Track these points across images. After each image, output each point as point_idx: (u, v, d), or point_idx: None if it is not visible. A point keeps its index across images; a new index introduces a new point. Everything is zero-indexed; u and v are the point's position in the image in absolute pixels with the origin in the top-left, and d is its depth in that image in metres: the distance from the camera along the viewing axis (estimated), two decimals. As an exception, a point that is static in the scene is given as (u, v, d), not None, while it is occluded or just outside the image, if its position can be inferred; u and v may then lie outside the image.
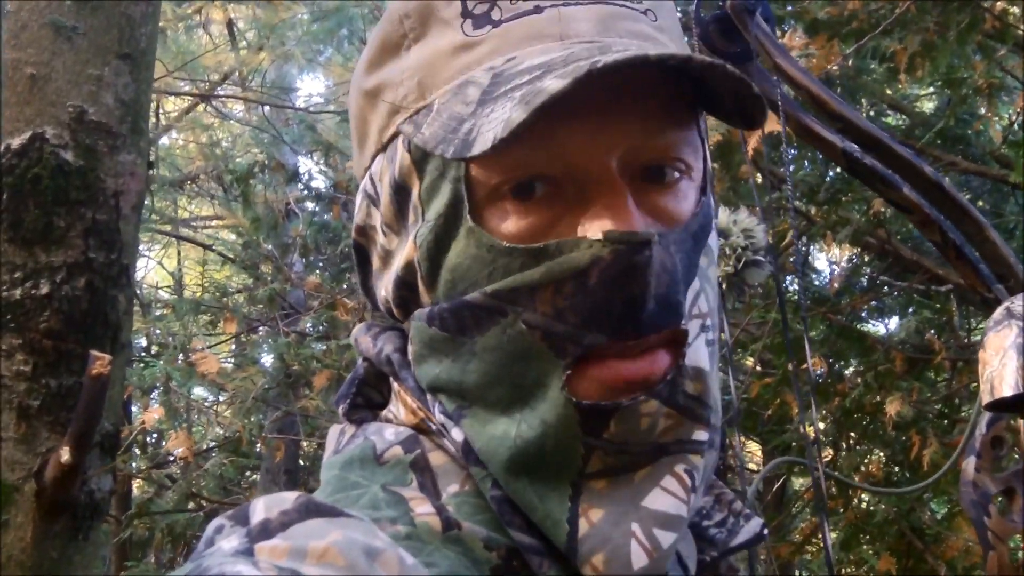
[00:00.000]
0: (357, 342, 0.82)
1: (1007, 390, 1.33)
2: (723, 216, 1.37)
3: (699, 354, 0.69)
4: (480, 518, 0.69)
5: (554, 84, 0.60)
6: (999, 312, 1.36)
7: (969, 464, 1.46)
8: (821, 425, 5.31)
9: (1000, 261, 1.39)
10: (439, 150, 0.65)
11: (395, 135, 0.73)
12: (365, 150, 0.78)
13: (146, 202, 2.88)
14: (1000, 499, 1.46)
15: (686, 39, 0.81)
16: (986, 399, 1.37)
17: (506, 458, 0.67)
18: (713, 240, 0.73)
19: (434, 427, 0.72)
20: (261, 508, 0.64)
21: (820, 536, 5.82)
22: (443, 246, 0.69)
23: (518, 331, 0.66)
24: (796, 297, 4.95)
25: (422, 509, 0.68)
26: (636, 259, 0.64)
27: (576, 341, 0.65)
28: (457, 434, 0.70)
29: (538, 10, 0.70)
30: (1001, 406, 1.37)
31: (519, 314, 0.66)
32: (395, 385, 0.77)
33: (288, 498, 0.65)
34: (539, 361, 0.66)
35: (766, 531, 0.77)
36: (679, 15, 0.81)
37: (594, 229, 0.65)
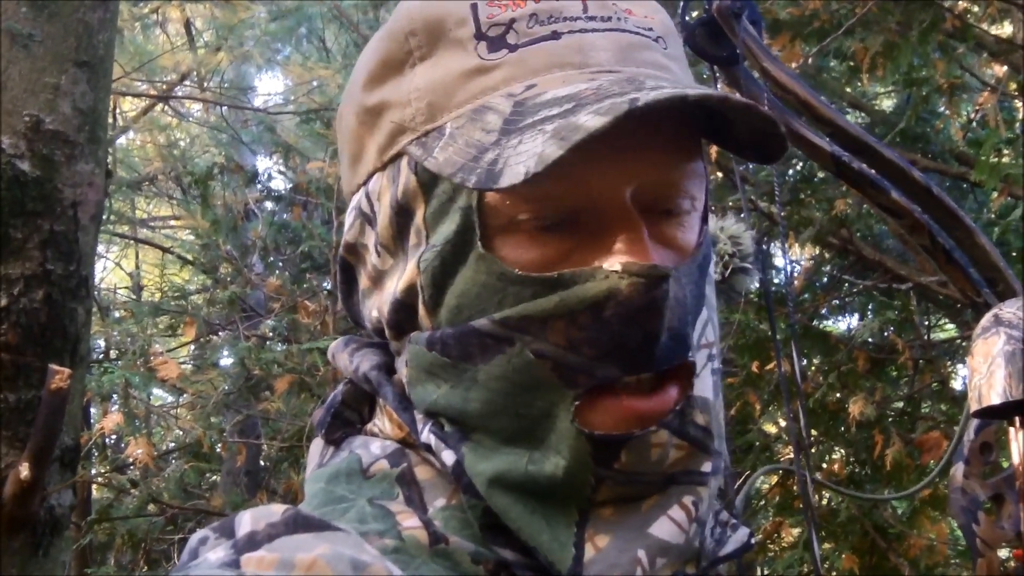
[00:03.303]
0: (334, 358, 0.82)
1: (995, 398, 1.32)
2: (710, 223, 1.35)
3: (706, 384, 0.69)
4: (467, 532, 0.68)
5: (592, 121, 0.59)
6: (987, 319, 1.35)
7: (958, 470, 1.45)
8: (783, 423, 5.34)
9: (990, 266, 1.38)
10: (458, 178, 0.64)
11: (399, 155, 0.71)
12: (359, 167, 0.76)
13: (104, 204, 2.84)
14: (989, 505, 1.46)
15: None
16: (974, 406, 1.36)
17: (515, 484, 0.66)
18: (712, 267, 0.74)
19: (420, 443, 0.72)
20: (248, 520, 0.64)
21: (781, 535, 5.86)
22: (450, 271, 0.68)
23: (526, 361, 0.65)
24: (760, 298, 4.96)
25: (409, 523, 0.68)
26: (654, 293, 0.64)
27: (589, 373, 0.65)
28: (448, 456, 0.69)
29: (556, 36, 0.69)
30: (989, 413, 1.36)
31: (528, 343, 0.65)
32: (379, 399, 0.77)
33: (276, 511, 0.65)
34: (547, 392, 0.66)
35: (753, 540, 0.77)
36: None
37: (612, 261, 0.64)
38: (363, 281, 0.78)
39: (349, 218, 0.78)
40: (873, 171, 1.35)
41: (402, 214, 0.71)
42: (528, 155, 0.60)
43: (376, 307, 0.76)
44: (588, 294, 0.64)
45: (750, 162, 0.76)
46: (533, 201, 0.65)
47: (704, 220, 0.73)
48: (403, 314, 0.72)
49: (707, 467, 0.69)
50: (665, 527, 0.66)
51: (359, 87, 0.75)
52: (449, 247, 0.68)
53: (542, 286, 0.65)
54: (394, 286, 0.72)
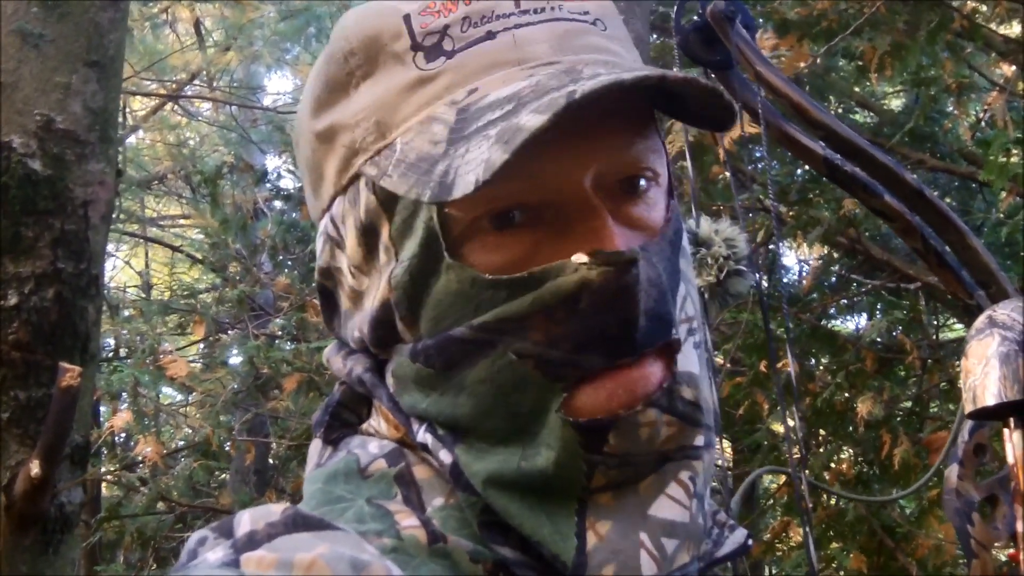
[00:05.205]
0: (329, 362, 0.82)
1: (990, 399, 1.33)
2: (705, 225, 1.36)
3: (689, 359, 0.69)
4: (466, 532, 0.68)
5: (532, 120, 0.59)
6: (981, 320, 1.36)
7: (952, 472, 1.46)
8: (791, 423, 5.32)
9: (982, 268, 1.39)
10: (413, 194, 0.64)
11: (356, 177, 0.72)
12: (321, 192, 0.76)
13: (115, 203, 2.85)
14: (984, 506, 1.47)
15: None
16: (968, 408, 1.37)
17: (511, 482, 0.66)
18: (686, 241, 0.74)
19: (417, 442, 0.72)
20: (247, 520, 0.64)
21: (789, 535, 5.85)
22: (421, 285, 0.68)
23: (508, 362, 0.66)
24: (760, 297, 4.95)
25: (408, 522, 0.67)
26: (625, 279, 0.64)
27: (574, 365, 0.65)
28: (445, 456, 0.69)
29: (491, 36, 0.69)
30: (984, 415, 1.37)
31: (509, 345, 0.66)
32: (375, 400, 0.77)
33: (275, 510, 0.65)
34: (534, 389, 0.66)
35: (751, 542, 0.76)
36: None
37: (579, 252, 0.64)
38: (344, 302, 0.78)
39: (319, 243, 0.78)
40: (866, 174, 1.36)
41: (368, 234, 0.71)
42: (476, 163, 0.60)
43: (358, 327, 0.76)
44: (561, 288, 0.64)
45: (704, 130, 0.75)
46: (492, 203, 0.65)
47: (670, 194, 0.72)
48: (382, 330, 0.72)
49: (700, 440, 0.68)
50: (665, 507, 0.66)
51: (308, 114, 0.75)
52: (417, 261, 0.68)
53: (514, 287, 0.65)
54: (371, 304, 0.72)
